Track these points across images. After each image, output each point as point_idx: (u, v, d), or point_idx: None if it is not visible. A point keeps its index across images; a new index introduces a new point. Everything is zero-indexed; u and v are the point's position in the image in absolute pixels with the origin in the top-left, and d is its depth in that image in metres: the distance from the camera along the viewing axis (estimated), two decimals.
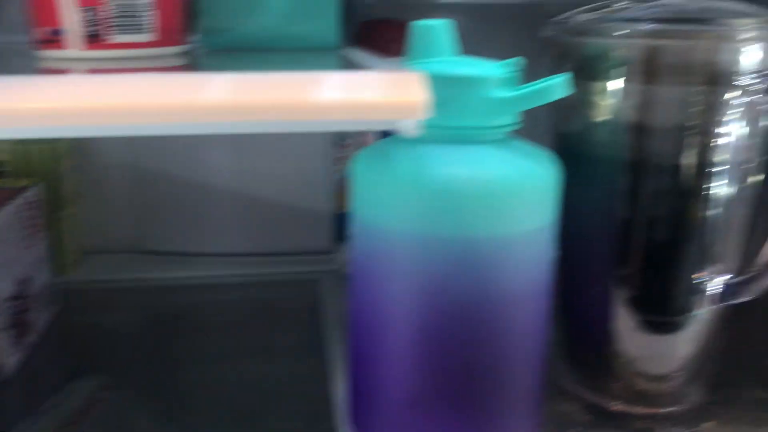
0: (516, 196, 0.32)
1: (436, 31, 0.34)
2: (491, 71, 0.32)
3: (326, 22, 0.45)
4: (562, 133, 0.41)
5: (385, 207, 0.33)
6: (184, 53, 0.40)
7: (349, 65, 0.37)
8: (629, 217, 0.38)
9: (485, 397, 0.34)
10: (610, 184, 0.38)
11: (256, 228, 0.66)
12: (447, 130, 0.33)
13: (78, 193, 0.61)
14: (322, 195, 0.63)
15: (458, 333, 0.33)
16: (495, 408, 0.35)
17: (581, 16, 0.38)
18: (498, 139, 0.33)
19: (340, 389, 0.44)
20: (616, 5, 0.38)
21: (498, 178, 0.32)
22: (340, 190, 0.58)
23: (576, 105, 0.39)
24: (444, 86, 0.32)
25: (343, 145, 0.58)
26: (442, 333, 0.33)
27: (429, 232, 0.32)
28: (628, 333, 0.40)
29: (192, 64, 0.39)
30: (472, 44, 0.60)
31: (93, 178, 0.62)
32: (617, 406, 0.42)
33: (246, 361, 0.50)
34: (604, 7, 0.38)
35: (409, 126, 0.27)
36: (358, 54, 0.42)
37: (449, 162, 0.32)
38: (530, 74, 0.34)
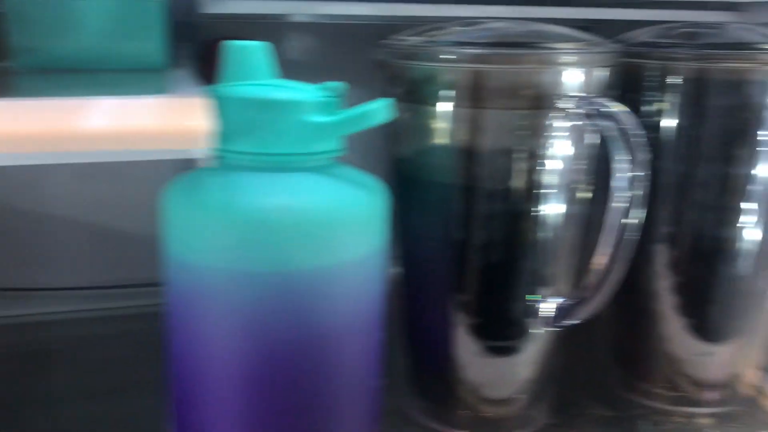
0: (336, 225, 0.30)
1: (252, 52, 0.32)
2: (308, 95, 0.31)
3: (151, 42, 0.42)
4: (395, 157, 0.40)
5: (197, 241, 0.30)
6: None
7: (160, 88, 0.35)
8: (463, 242, 0.37)
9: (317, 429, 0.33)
10: (444, 209, 0.38)
11: (104, 259, 0.61)
12: (263, 157, 0.31)
13: None
14: None
15: (286, 372, 0.31)
16: None
17: (410, 39, 0.37)
18: (319, 166, 0.32)
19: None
20: (446, 29, 0.38)
21: (316, 206, 0.30)
22: None
23: (407, 129, 0.38)
24: (258, 111, 0.30)
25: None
26: (268, 373, 0.31)
27: (244, 267, 0.30)
28: (469, 358, 0.39)
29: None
30: (324, 65, 0.60)
31: None
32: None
33: (93, 401, 0.47)
34: (434, 30, 0.38)
35: (198, 154, 0.25)
36: (183, 75, 0.40)
37: (263, 191, 0.30)
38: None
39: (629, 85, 0.40)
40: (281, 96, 0.30)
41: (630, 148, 0.33)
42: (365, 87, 0.38)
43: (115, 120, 0.22)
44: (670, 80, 0.40)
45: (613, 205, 0.34)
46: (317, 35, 0.59)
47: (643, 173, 0.33)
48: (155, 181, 0.59)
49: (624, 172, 0.33)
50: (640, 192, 0.33)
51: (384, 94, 0.39)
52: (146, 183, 0.60)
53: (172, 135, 0.21)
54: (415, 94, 0.37)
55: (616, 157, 0.33)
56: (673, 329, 0.44)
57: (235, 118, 0.30)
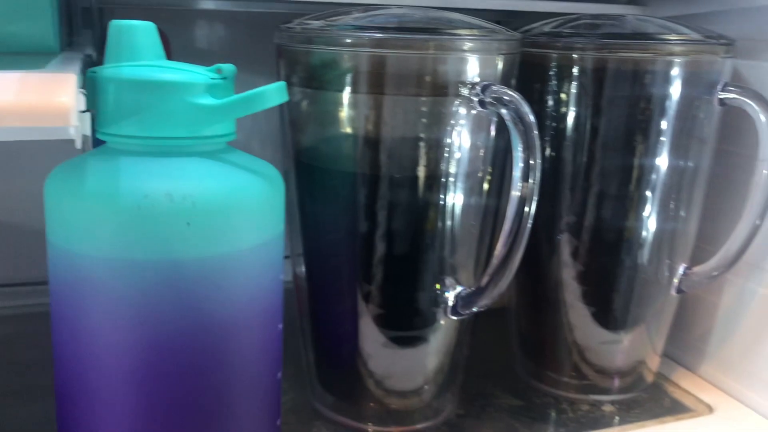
0: (227, 212, 0.29)
1: (137, 32, 0.30)
2: (196, 77, 0.30)
3: (41, 24, 0.40)
4: (296, 146, 0.39)
5: (80, 230, 0.29)
6: None
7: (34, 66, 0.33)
8: (366, 232, 0.37)
9: (209, 427, 0.31)
10: (345, 198, 0.37)
11: (5, 256, 0.58)
12: (149, 141, 0.29)
13: None
14: None
15: (177, 368, 0.30)
16: None
17: (310, 24, 0.36)
18: (209, 151, 0.31)
19: None
20: (348, 14, 0.37)
21: (205, 192, 0.29)
22: None
23: (307, 117, 0.37)
24: (141, 92, 0.29)
25: None
26: (158, 370, 0.30)
27: (130, 257, 0.28)
28: (374, 350, 0.39)
29: None
30: (229, 53, 0.58)
31: None
32: (371, 429, 0.40)
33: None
34: (335, 15, 0.37)
35: (72, 135, 0.23)
36: (70, 56, 0.38)
37: (149, 176, 0.29)
38: None
39: (532, 75, 0.41)
40: (167, 77, 0.29)
41: (526, 137, 0.33)
42: (271, 75, 0.37)
43: None
44: (570, 70, 0.40)
45: (512, 193, 0.34)
46: (222, 22, 0.58)
47: (538, 162, 0.33)
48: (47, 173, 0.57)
49: (521, 161, 0.33)
50: (535, 181, 0.33)
51: (284, 81, 0.38)
52: (39, 175, 0.58)
53: (36, 111, 0.20)
54: (314, 80, 0.36)
55: (515, 146, 0.33)
56: (578, 318, 0.44)
57: (120, 101, 0.29)
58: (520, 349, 0.48)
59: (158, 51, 0.31)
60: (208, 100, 0.30)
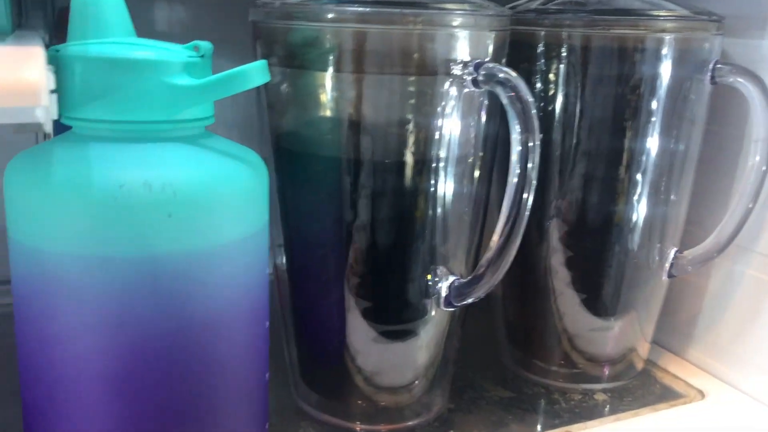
0: (208, 203, 0.27)
1: (103, 6, 0.28)
2: (172, 55, 0.27)
3: None
4: (276, 130, 0.36)
5: (45, 224, 0.26)
6: None
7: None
8: (352, 220, 0.35)
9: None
10: (329, 185, 0.35)
11: None
12: (120, 125, 0.27)
13: None
14: None
15: (156, 371, 0.27)
16: None
17: None
18: (187, 137, 0.28)
19: None
20: None
21: (184, 181, 0.26)
22: None
23: (287, 98, 0.35)
24: (111, 72, 0.26)
25: None
26: (134, 373, 0.27)
27: (102, 253, 0.26)
28: (362, 344, 0.37)
29: None
30: (196, 30, 0.55)
31: None
32: (359, 427, 0.39)
33: None
34: None
35: (40, 118, 0.21)
36: (19, 36, 0.35)
37: (121, 164, 0.26)
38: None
39: (518, 54, 0.39)
40: (140, 55, 0.26)
41: (524, 117, 0.31)
42: (239, 57, 0.34)
43: None
44: (558, 49, 0.39)
45: (510, 179, 0.32)
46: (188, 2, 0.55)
47: (537, 144, 0.31)
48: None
49: (519, 144, 0.31)
50: (534, 165, 0.31)
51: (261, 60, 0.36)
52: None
53: (1, 89, 0.17)
54: (295, 59, 0.34)
55: (512, 128, 0.31)
56: (568, 305, 0.43)
57: (87, 81, 0.26)
58: (507, 338, 0.46)
59: (128, 27, 0.28)
60: (185, 80, 0.27)
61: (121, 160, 0.26)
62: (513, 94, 0.31)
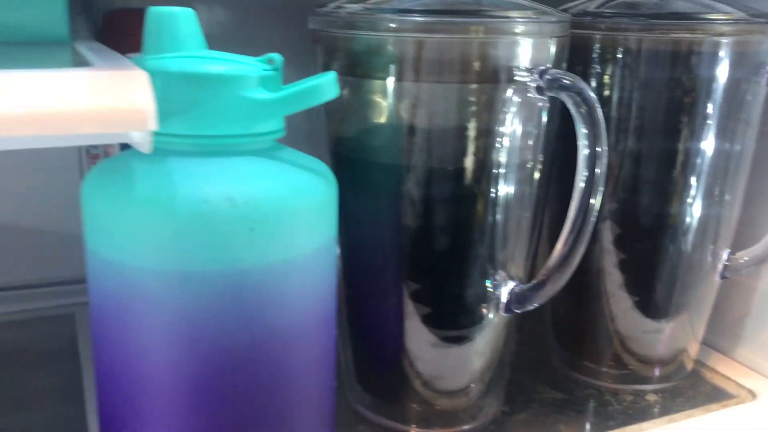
0: (286, 216, 0.27)
1: (178, 20, 0.28)
2: (249, 69, 0.27)
3: (51, 12, 0.37)
4: (334, 137, 0.36)
5: (125, 238, 0.26)
6: None
7: (73, 62, 0.30)
8: (411, 226, 0.35)
9: None
10: (389, 192, 0.35)
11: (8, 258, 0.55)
12: (197, 139, 0.27)
13: None
14: (75, 215, 0.54)
15: (232, 380, 0.28)
16: None
17: (349, 7, 0.34)
18: (261, 150, 0.28)
19: None
20: None
21: (263, 195, 0.26)
22: None
23: (347, 106, 0.35)
24: (191, 87, 0.26)
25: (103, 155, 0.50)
26: (211, 382, 0.28)
27: (180, 267, 0.26)
28: (420, 349, 0.37)
29: None
30: (236, 41, 0.55)
31: None
32: (414, 430, 0.39)
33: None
34: None
35: (136, 139, 0.21)
36: (92, 48, 0.35)
37: (203, 179, 0.26)
38: (304, 74, 0.29)
39: (574, 57, 0.39)
40: (220, 70, 0.27)
41: (591, 123, 0.31)
42: (294, 62, 0.34)
43: (36, 99, 0.17)
44: (614, 52, 0.39)
45: (577, 184, 0.32)
46: (228, 7, 0.55)
47: (605, 149, 0.31)
48: (54, 169, 0.54)
49: (586, 149, 0.31)
50: (602, 170, 0.31)
51: (320, 68, 0.36)
52: (44, 171, 0.55)
53: (113, 116, 0.18)
54: (355, 67, 0.34)
55: (579, 133, 0.31)
56: (620, 307, 0.43)
57: (166, 96, 0.26)
58: (556, 340, 0.47)
59: (200, 40, 0.29)
60: (261, 94, 0.27)
61: (202, 175, 0.26)
62: (579, 99, 0.31)
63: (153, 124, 0.19)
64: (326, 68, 0.35)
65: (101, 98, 0.18)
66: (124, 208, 0.26)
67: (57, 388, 0.45)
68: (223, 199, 0.25)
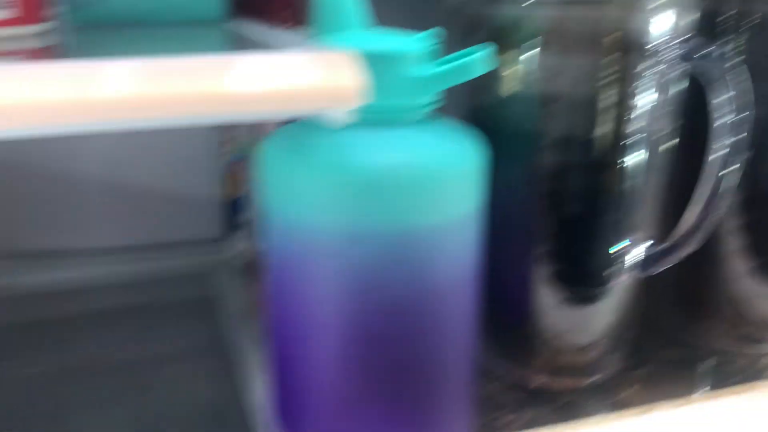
0: (447, 181, 0.30)
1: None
2: (412, 45, 0.30)
3: None
4: (474, 107, 0.39)
5: (304, 200, 0.29)
6: (48, 32, 0.35)
7: (241, 42, 0.33)
8: (546, 191, 0.37)
9: (419, 389, 0.32)
10: (525, 159, 0.37)
11: (135, 219, 0.60)
12: (366, 112, 0.30)
13: None
14: (207, 180, 0.58)
15: (389, 328, 0.31)
16: (429, 399, 0.33)
17: None
18: (419, 120, 0.31)
19: (254, 390, 0.41)
20: None
21: (428, 162, 0.29)
22: (229, 175, 0.54)
23: (487, 78, 0.37)
24: (366, 64, 0.29)
25: (228, 126, 0.54)
26: (371, 329, 0.31)
27: (354, 225, 0.29)
28: (550, 308, 0.39)
29: (60, 44, 0.33)
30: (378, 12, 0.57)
31: None
32: (540, 382, 0.41)
33: (137, 368, 0.46)
34: None
35: (340, 113, 0.24)
36: (247, 27, 0.38)
37: (373, 148, 0.29)
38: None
39: (708, 26, 0.40)
40: (386, 48, 0.29)
41: (732, 91, 0.32)
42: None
43: (269, 79, 0.20)
44: (749, 20, 0.39)
45: (713, 151, 0.33)
46: None
47: (746, 114, 0.32)
48: (187, 137, 0.58)
49: (724, 117, 0.33)
50: (741, 136, 0.33)
51: (458, 42, 0.38)
52: (178, 139, 0.59)
53: (331, 93, 0.20)
54: (496, 42, 0.36)
55: (715, 101, 0.33)
56: (738, 270, 0.44)
57: None
58: (675, 299, 0.48)
59: (363, 18, 0.31)
60: (423, 70, 0.30)
61: (373, 143, 0.29)
62: (720, 67, 0.33)
63: (362, 100, 0.21)
64: (465, 42, 0.37)
65: (326, 77, 0.21)
66: (306, 173, 0.29)
67: (200, 344, 0.49)
68: (390, 166, 0.28)
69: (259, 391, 0.40)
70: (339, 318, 0.31)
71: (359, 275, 0.30)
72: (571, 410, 0.40)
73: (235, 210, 0.53)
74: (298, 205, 0.30)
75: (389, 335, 0.31)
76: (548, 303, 0.39)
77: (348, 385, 0.32)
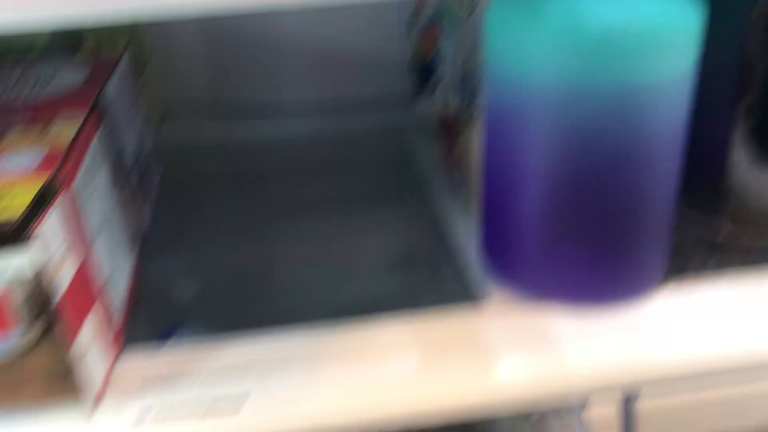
0: (669, 39, 0.32)
1: None
2: None
3: None
4: None
5: (533, 57, 0.33)
6: None
7: None
8: (751, 48, 0.38)
9: (624, 234, 0.36)
10: (730, 17, 0.38)
11: (331, 79, 0.63)
12: None
13: (151, 54, 0.59)
14: (399, 44, 0.61)
15: (599, 179, 0.34)
16: (632, 243, 0.36)
17: None
18: None
19: (459, 234, 0.45)
20: None
21: (653, 21, 0.31)
22: (422, 38, 0.57)
23: None
24: None
25: None
26: (582, 178, 0.34)
27: (579, 80, 0.32)
28: (744, 165, 0.41)
29: None
30: None
31: (163, 36, 0.61)
32: (730, 235, 0.44)
33: (342, 211, 0.51)
34: None
35: None
36: None
37: (601, 6, 0.31)
38: None
39: None
40: None
41: None
42: None
43: None
44: None
45: None
46: None
47: None
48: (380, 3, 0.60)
49: None
50: None
51: None
52: (372, 5, 0.61)
53: None
54: None
55: None
56: None
57: None
58: None
59: None
60: None
61: (596, 2, 0.31)
62: None
63: None
64: None
65: None
66: (535, 30, 0.32)
67: (398, 192, 0.54)
68: (618, 23, 0.31)
69: (463, 234, 0.45)
70: (552, 167, 0.34)
71: (575, 131, 0.33)
72: (758, 262, 0.42)
73: (424, 74, 0.57)
74: (526, 60, 0.33)
75: (598, 185, 0.34)
76: (743, 160, 0.41)
77: (557, 228, 0.36)
